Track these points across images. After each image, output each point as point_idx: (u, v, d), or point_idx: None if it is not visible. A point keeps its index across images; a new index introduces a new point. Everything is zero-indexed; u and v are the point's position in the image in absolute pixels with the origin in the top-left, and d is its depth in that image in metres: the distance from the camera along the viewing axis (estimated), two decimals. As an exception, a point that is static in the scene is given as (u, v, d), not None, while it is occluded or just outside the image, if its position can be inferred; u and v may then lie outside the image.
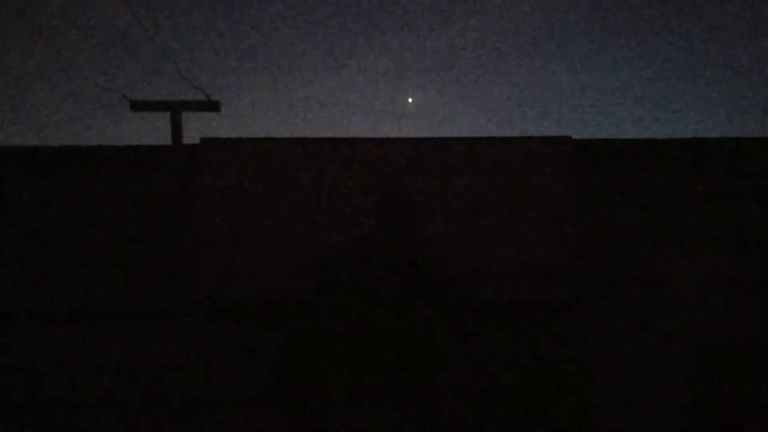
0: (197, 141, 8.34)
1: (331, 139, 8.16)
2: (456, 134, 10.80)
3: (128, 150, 8.98)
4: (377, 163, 7.93)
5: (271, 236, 7.73)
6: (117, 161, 8.92)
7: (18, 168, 8.92)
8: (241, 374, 7.24)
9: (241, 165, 8.01)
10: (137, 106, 8.66)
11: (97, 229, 8.68)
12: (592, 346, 7.18)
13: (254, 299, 7.52)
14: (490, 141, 8.10)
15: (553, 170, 7.90)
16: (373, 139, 8.17)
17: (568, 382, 6.98)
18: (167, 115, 8.64)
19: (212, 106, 8.74)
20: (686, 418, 6.73)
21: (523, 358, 7.09)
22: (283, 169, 7.97)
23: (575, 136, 8.51)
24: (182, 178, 8.42)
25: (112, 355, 7.52)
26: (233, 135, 8.47)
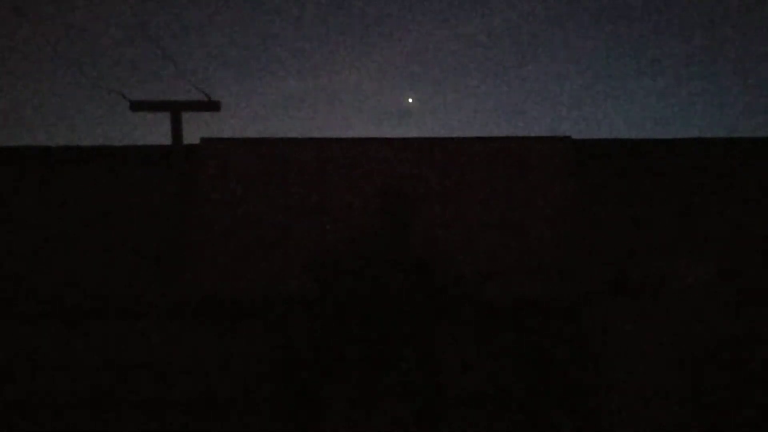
0: (197, 141, 8.34)
1: (331, 139, 8.16)
2: (456, 134, 10.79)
3: (128, 150, 8.97)
4: (377, 163, 7.93)
5: (271, 236, 7.73)
6: (117, 161, 8.90)
7: (18, 168, 8.91)
8: (240, 374, 7.24)
9: (241, 165, 8.01)
10: (137, 106, 8.64)
11: (96, 228, 8.67)
12: (593, 345, 7.17)
13: (254, 299, 7.52)
14: (490, 141, 8.09)
15: (553, 170, 7.90)
16: (373, 139, 8.18)
17: (572, 381, 6.98)
18: (167, 115, 8.62)
19: (212, 106, 8.72)
20: (690, 418, 6.73)
21: (524, 357, 7.09)
22: (283, 169, 7.97)
23: (575, 136, 8.52)
24: (182, 178, 8.41)
25: (110, 354, 7.52)
26: (233, 135, 8.47)
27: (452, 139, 8.16)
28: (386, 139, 8.17)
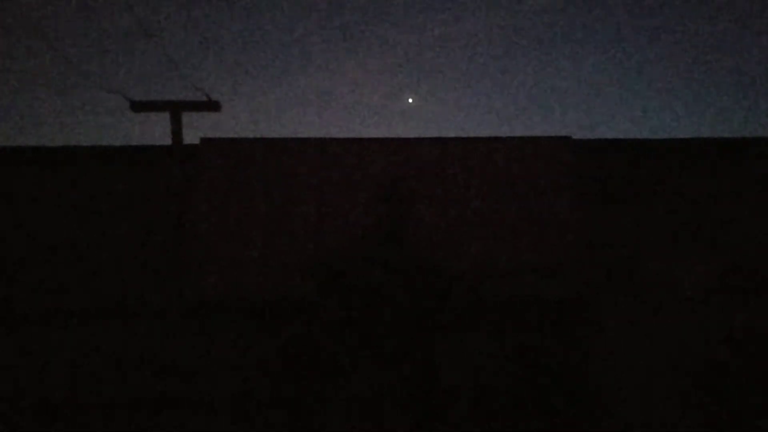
0: (197, 141, 8.35)
1: (331, 139, 8.16)
2: (456, 134, 10.80)
3: (128, 150, 8.98)
4: (377, 163, 7.93)
5: (270, 236, 7.73)
6: (117, 161, 8.92)
7: (18, 168, 8.92)
8: (240, 374, 7.25)
9: (241, 165, 8.01)
10: (137, 106, 8.65)
11: (96, 228, 8.67)
12: (593, 344, 7.18)
13: (254, 299, 7.52)
14: (490, 141, 8.10)
15: (553, 170, 7.91)
16: (373, 139, 8.18)
17: (571, 380, 6.98)
18: (167, 115, 8.64)
19: (212, 106, 8.74)
20: (689, 416, 6.73)
21: (524, 357, 7.09)
22: (283, 169, 7.97)
23: (575, 136, 8.51)
24: (182, 178, 8.42)
25: (111, 354, 7.52)
26: (233, 135, 8.48)
27: (452, 139, 8.16)
28: (386, 139, 8.17)
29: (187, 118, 8.62)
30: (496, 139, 8.13)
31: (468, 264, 7.51)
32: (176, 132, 8.56)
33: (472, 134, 8.33)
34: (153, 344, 7.53)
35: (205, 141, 8.20)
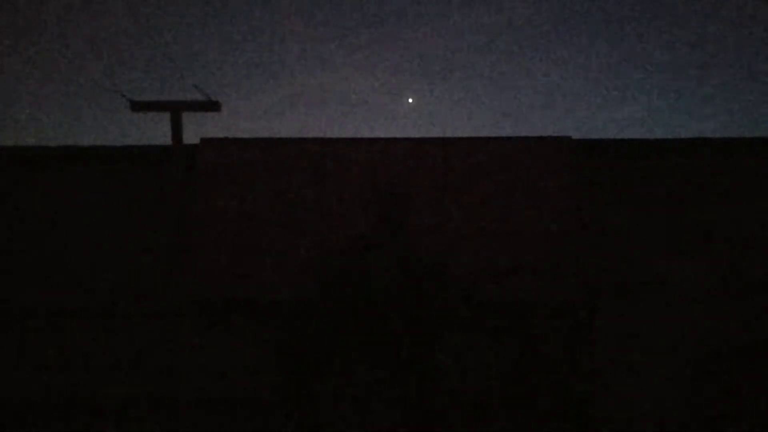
0: (197, 141, 8.34)
1: (331, 139, 8.16)
2: (456, 134, 10.80)
3: (128, 150, 8.97)
4: (377, 163, 7.93)
5: (270, 236, 7.73)
6: (117, 161, 8.91)
7: (18, 168, 8.91)
8: (240, 374, 7.24)
9: (241, 165, 8.01)
10: (137, 106, 8.63)
11: (96, 228, 8.67)
12: (593, 345, 7.17)
13: (254, 299, 7.51)
14: (490, 141, 8.09)
15: (553, 170, 7.90)
16: (372, 139, 8.17)
17: (570, 381, 6.98)
18: (167, 115, 8.61)
19: (212, 106, 8.71)
20: (687, 418, 6.73)
21: (523, 358, 7.09)
22: (282, 169, 7.97)
23: (575, 136, 8.51)
24: (182, 178, 8.41)
25: (111, 354, 7.52)
26: (233, 135, 8.48)
27: (452, 139, 8.16)
28: (385, 139, 8.17)
29: (187, 118, 8.60)
30: (497, 139, 8.13)
31: (467, 264, 7.50)
32: (176, 132, 8.54)
33: (472, 134, 8.32)
34: (152, 344, 7.53)
35: (205, 141, 8.20)
